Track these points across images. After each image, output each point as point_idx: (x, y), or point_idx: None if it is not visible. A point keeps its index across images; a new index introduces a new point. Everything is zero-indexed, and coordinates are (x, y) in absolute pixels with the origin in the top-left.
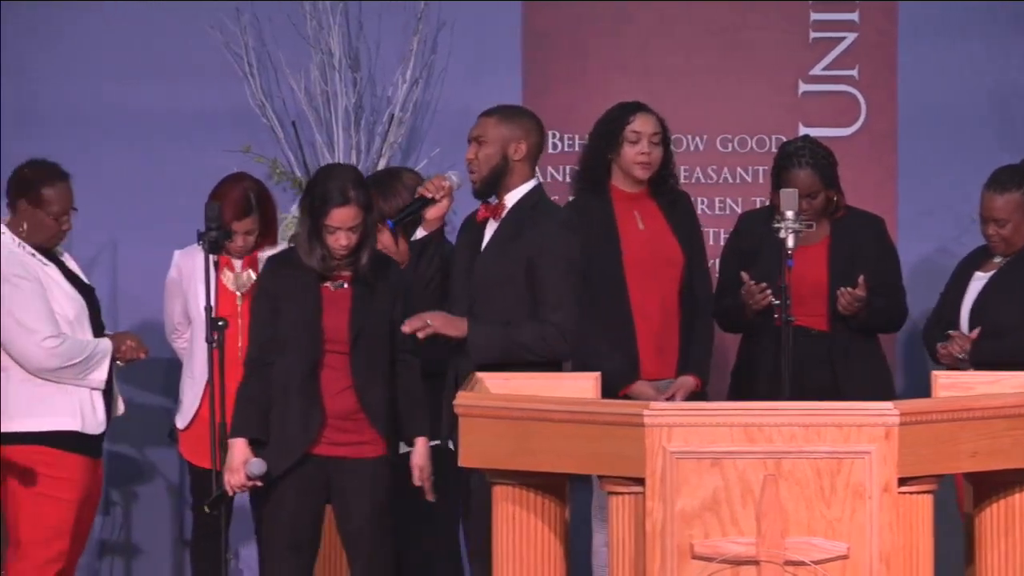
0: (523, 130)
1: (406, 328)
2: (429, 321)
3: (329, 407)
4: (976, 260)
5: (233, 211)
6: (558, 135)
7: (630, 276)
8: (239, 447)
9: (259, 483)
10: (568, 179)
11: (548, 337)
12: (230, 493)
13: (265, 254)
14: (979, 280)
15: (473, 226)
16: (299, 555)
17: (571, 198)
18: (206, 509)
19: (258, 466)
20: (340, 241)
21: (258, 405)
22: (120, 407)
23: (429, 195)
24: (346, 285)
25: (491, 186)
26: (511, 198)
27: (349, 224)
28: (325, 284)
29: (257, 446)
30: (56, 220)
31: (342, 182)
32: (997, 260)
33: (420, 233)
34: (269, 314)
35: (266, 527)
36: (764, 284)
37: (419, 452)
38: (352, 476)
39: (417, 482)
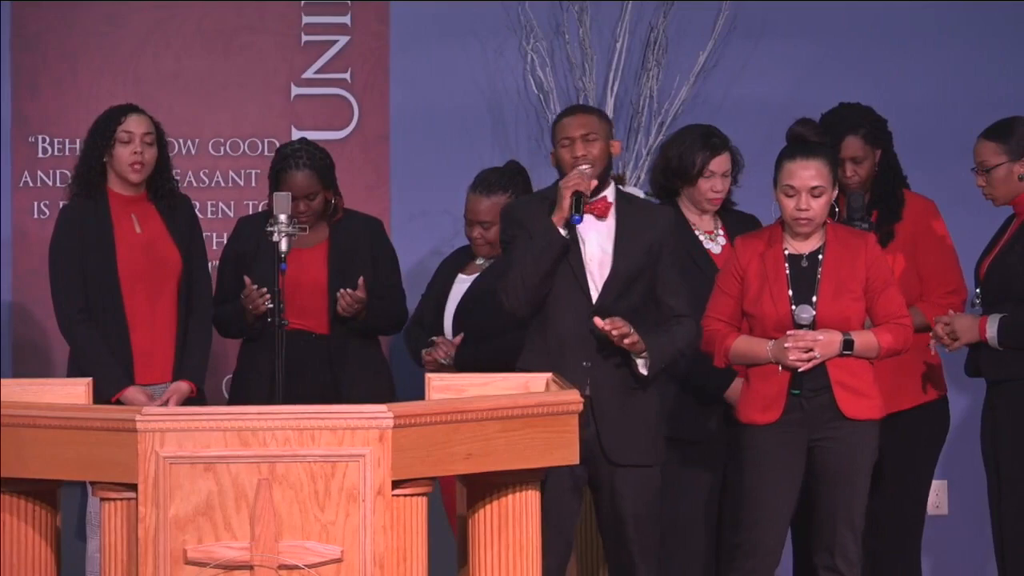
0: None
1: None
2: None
3: None
4: (459, 262)
5: None
6: (48, 139)
7: (124, 280)
8: None
9: None
10: (60, 183)
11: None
12: None
13: None
14: (462, 283)
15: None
16: None
17: (63, 203)
18: None
19: None
20: None
21: None
22: None
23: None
24: None
25: (602, 182)
26: (610, 193)
27: None
28: None
29: None
30: None
31: None
32: (480, 262)
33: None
34: None
35: None
36: (264, 289)
37: None
38: None
39: None
